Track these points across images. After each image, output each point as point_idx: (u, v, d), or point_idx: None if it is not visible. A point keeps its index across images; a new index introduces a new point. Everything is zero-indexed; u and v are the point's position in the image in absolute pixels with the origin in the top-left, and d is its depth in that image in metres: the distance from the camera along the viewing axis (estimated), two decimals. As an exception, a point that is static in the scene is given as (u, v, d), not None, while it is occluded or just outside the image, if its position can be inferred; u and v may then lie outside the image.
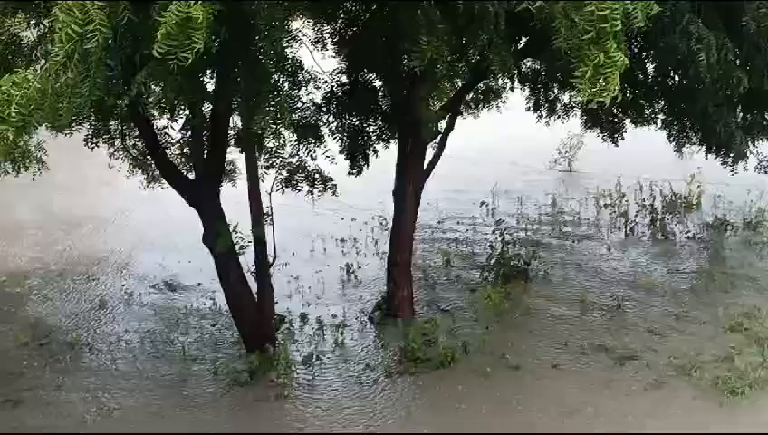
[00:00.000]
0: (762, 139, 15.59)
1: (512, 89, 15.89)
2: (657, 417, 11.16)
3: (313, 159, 12.95)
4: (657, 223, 17.89)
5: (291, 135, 11.84)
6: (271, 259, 13.16)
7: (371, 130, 14.13)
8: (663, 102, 15.73)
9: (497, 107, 16.41)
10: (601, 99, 7.67)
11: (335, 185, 13.48)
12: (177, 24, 6.86)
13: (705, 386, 11.79)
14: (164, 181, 13.70)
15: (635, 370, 12.33)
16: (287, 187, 13.41)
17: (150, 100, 9.96)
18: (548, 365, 12.58)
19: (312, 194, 13.48)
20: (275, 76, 10.16)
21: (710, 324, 13.62)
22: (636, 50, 14.80)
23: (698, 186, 18.91)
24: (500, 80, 15.31)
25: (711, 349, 12.75)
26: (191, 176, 13.24)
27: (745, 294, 14.72)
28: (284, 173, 13.28)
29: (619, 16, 7.55)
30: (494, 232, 17.15)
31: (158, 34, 6.89)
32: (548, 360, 12.72)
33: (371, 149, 14.15)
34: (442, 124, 14.30)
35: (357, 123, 14.00)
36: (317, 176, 13.32)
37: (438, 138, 14.46)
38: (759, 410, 11.24)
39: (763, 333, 13.01)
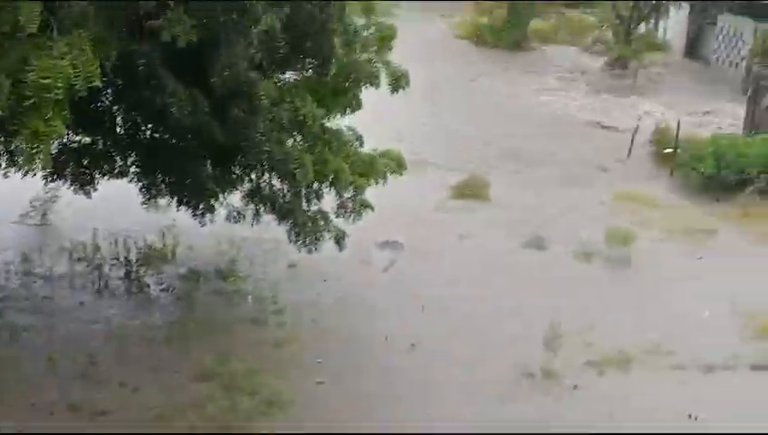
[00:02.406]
0: (232, 190, 16.40)
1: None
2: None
3: None
4: (132, 276, 17.87)
5: None
6: None
7: None
8: (136, 155, 15.87)
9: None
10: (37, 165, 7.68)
11: None
12: None
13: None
14: None
15: (108, 425, 12.11)
16: None
17: None
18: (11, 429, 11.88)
19: None
20: None
21: (184, 373, 13.87)
22: (107, 102, 14.84)
23: (173, 238, 19.23)
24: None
25: (184, 397, 12.97)
26: None
27: (218, 341, 15.23)
28: None
29: (62, 86, 7.56)
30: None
31: None
32: (13, 425, 12.00)
33: None
34: None
35: None
36: None
37: None
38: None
39: (232, 379, 13.53)
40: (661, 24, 43.65)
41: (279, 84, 14.35)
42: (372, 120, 16.69)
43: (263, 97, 13.06)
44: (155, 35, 11.34)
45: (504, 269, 19.43)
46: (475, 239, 20.97)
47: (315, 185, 15.48)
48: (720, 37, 39.61)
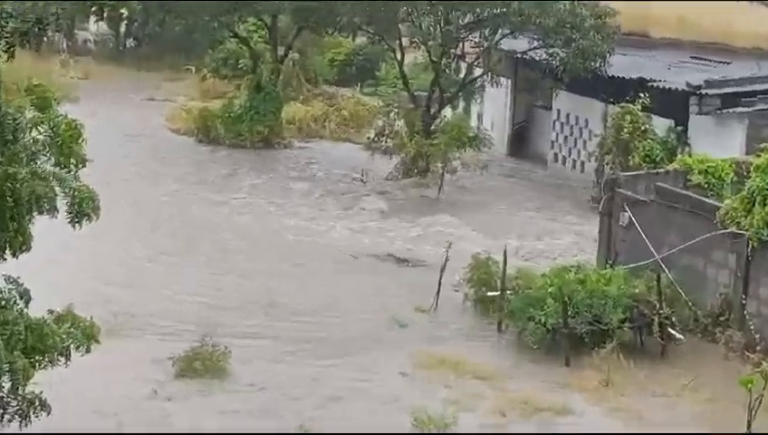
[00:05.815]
0: None
1: None
2: None
3: None
4: None
5: None
6: None
7: None
8: None
9: None
10: None
11: None
12: None
13: None
14: None
15: None
16: None
17: None
18: None
19: None
20: None
21: None
22: None
23: None
24: None
25: None
26: None
27: None
28: None
29: None
30: None
31: None
32: None
33: None
34: None
35: None
36: None
37: None
38: None
39: None
40: (474, 108, 45.09)
41: None
42: (49, 265, 16.49)
43: None
44: None
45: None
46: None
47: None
48: (557, 126, 41.39)
